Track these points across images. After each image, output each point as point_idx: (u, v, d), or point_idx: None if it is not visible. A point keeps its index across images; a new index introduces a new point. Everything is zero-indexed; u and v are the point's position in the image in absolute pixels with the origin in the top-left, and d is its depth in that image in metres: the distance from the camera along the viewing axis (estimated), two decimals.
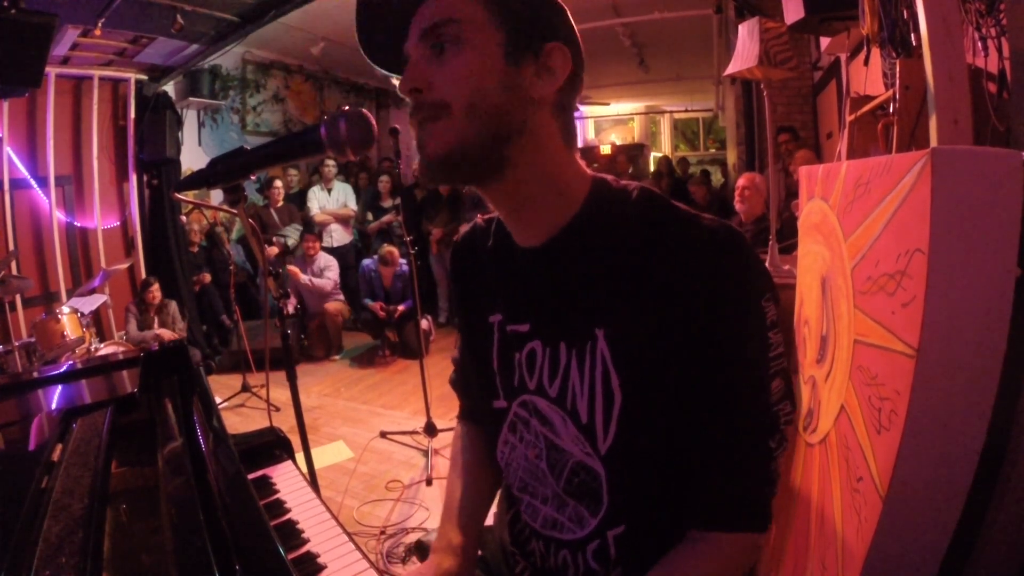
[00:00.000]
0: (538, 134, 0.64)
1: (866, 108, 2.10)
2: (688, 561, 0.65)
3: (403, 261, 4.80)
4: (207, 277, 5.13)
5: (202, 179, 0.99)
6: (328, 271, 4.97)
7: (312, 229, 4.98)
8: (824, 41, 2.89)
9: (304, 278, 4.81)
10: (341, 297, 5.11)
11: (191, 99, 5.49)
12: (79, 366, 1.38)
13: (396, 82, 0.66)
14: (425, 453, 2.88)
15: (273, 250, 4.84)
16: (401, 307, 4.69)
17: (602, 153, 8.88)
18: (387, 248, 4.81)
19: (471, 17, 0.60)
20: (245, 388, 3.95)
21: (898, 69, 1.63)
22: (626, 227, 0.64)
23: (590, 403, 0.65)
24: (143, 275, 4.92)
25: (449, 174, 0.64)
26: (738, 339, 0.61)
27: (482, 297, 0.78)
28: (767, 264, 2.35)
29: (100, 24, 3.66)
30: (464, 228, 0.85)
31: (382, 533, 2.28)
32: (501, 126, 0.61)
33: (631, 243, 0.64)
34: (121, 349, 3.54)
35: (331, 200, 5.63)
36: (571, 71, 0.65)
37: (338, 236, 5.62)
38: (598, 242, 0.65)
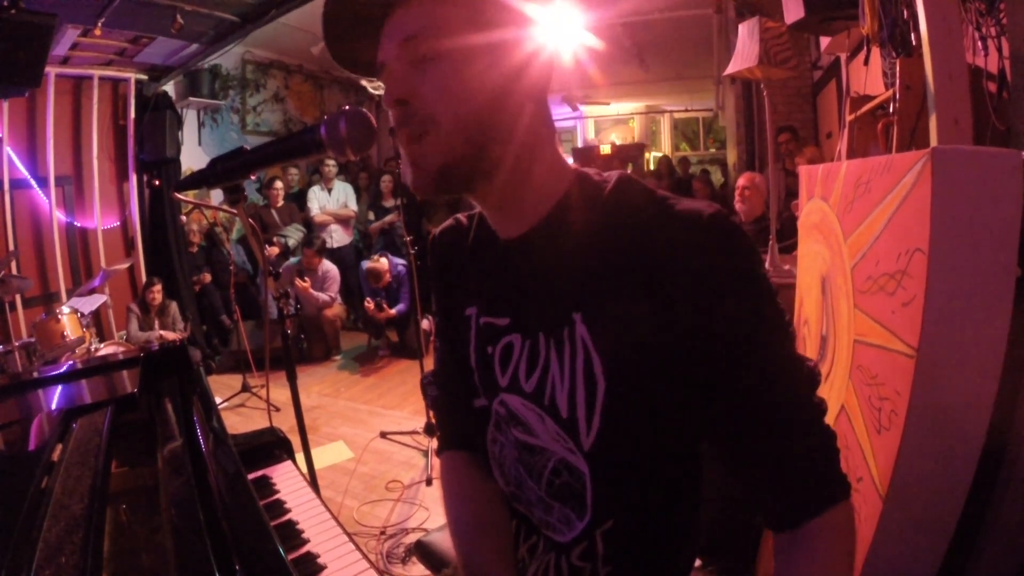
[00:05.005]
0: (521, 134, 0.63)
1: (866, 108, 2.10)
2: (816, 563, 0.58)
3: (400, 261, 4.79)
4: (207, 277, 5.13)
5: (202, 179, 1.00)
6: (328, 285, 4.94)
7: (312, 243, 4.94)
8: (824, 41, 2.89)
9: (314, 294, 4.78)
10: (338, 300, 5.10)
11: (191, 99, 5.49)
12: (79, 366, 1.38)
13: (366, 84, 0.65)
14: (425, 453, 2.88)
15: (273, 250, 4.84)
16: (393, 311, 4.67)
17: (602, 153, 8.86)
18: (370, 266, 4.71)
19: (451, 26, 0.60)
20: (245, 388, 3.95)
21: (898, 69, 1.64)
22: (602, 213, 0.63)
23: (571, 395, 0.63)
24: (143, 275, 4.92)
25: (442, 187, 0.63)
26: (757, 309, 0.59)
27: (459, 291, 0.77)
28: (767, 265, 2.35)
29: (100, 24, 3.66)
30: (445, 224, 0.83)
31: (382, 533, 2.28)
32: (486, 132, 0.61)
33: (606, 228, 0.62)
34: (121, 349, 3.54)
35: (331, 200, 5.62)
36: (547, 68, 0.64)
37: (338, 237, 5.61)
38: (573, 230, 0.64)
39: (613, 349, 0.61)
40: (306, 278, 4.80)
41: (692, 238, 0.57)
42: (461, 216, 0.80)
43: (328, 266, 5.01)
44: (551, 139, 0.67)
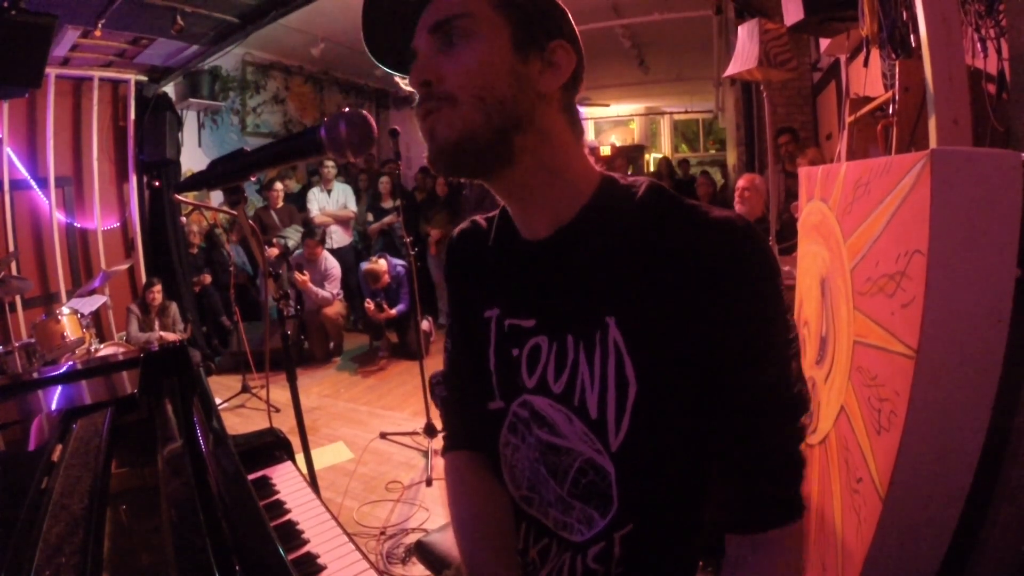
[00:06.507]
0: (545, 128, 0.65)
1: (866, 109, 2.10)
2: (775, 571, 0.61)
3: (399, 262, 4.79)
4: (207, 278, 5.13)
5: (202, 180, 1.00)
6: (331, 282, 4.92)
7: (313, 235, 4.92)
8: (824, 42, 2.90)
9: (314, 289, 4.78)
10: (340, 295, 5.09)
11: (191, 100, 5.49)
12: (79, 367, 1.39)
13: (400, 81, 0.66)
14: (425, 454, 2.88)
15: (273, 251, 4.84)
16: (393, 312, 4.67)
17: (602, 155, 8.87)
18: (368, 267, 4.69)
19: (480, 12, 0.62)
20: (245, 389, 3.94)
21: (897, 70, 1.64)
22: (634, 218, 0.64)
23: (601, 396, 0.64)
24: (143, 276, 4.92)
25: (458, 163, 0.64)
26: (765, 322, 0.61)
27: (478, 293, 0.77)
28: None
29: (100, 25, 3.67)
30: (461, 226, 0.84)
31: (382, 534, 2.27)
32: (508, 117, 0.62)
33: (640, 233, 0.63)
34: (121, 350, 3.54)
35: (331, 201, 5.62)
36: (574, 69, 0.66)
37: (337, 238, 5.61)
38: (606, 233, 0.65)
39: (645, 353, 0.62)
40: (305, 271, 4.79)
41: (722, 247, 0.59)
42: (479, 218, 0.81)
43: (330, 260, 4.99)
44: (579, 139, 0.69)
